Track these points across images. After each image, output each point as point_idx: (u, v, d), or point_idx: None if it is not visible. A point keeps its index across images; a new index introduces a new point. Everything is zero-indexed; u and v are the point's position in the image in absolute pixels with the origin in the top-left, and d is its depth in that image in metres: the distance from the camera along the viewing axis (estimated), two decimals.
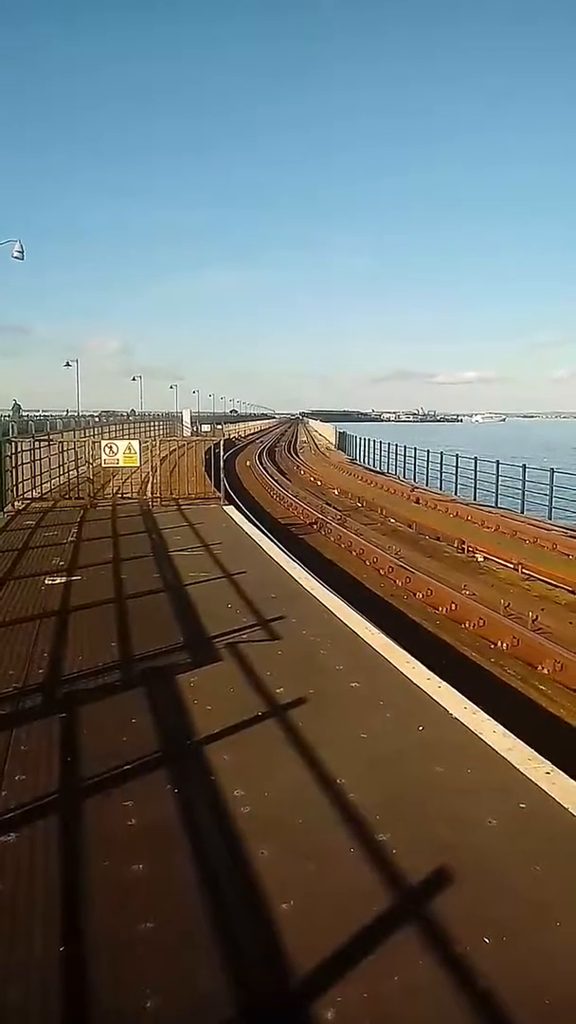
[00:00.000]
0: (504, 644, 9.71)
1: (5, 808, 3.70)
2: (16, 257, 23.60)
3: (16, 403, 43.82)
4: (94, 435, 25.03)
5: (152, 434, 39.93)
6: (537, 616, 10.47)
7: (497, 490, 23.10)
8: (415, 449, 32.71)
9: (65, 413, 48.01)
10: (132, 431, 37.88)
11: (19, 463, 16.49)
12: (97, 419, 39.58)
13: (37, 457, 17.92)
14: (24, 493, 16.51)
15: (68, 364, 56.06)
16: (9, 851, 3.37)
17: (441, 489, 26.72)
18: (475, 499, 23.81)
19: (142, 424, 45.93)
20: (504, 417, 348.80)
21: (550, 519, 19.46)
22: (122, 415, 48.23)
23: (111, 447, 16.75)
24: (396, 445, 36.31)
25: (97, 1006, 2.51)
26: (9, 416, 37.52)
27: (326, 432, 71.54)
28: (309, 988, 2.57)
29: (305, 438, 74.92)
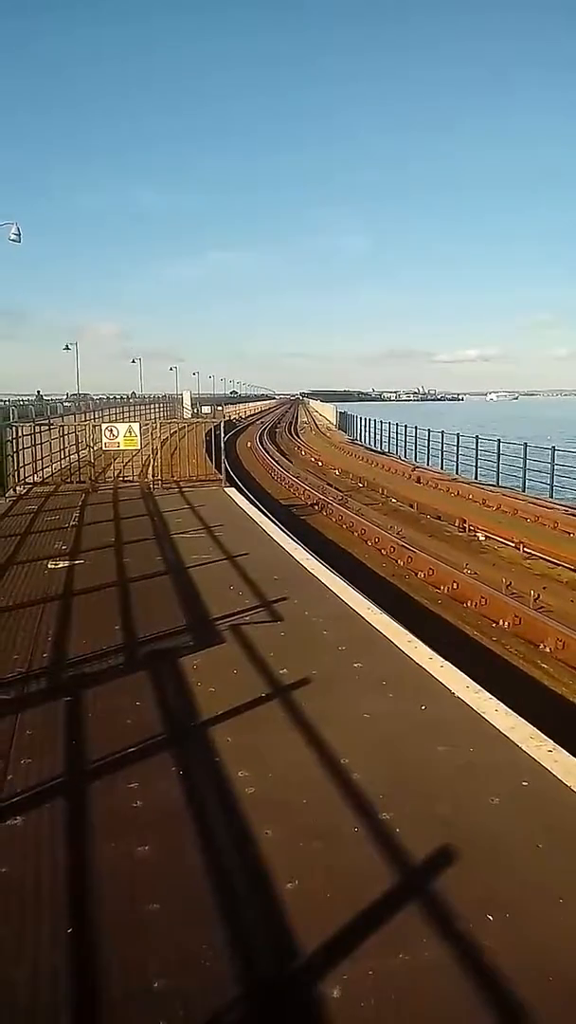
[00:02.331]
0: (506, 623, 9.72)
1: (12, 792, 3.73)
2: (13, 239, 23.41)
3: None
4: (94, 419, 24.97)
5: (152, 416, 39.83)
6: (539, 594, 10.47)
7: (499, 469, 23.06)
8: (415, 428, 32.60)
9: (65, 396, 47.88)
10: (132, 414, 37.75)
11: (20, 448, 16.46)
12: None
13: (38, 441, 17.88)
14: (25, 478, 16.50)
15: (68, 347, 55.89)
16: (16, 834, 3.40)
17: (442, 469, 26.67)
18: (476, 478, 23.78)
19: (142, 406, 45.77)
20: (517, 396, 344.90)
21: (552, 497, 19.44)
22: (91, 398, 47.21)
23: (111, 430, 16.72)
24: (397, 424, 36.19)
25: (104, 987, 2.54)
26: None
27: (327, 412, 71.31)
28: (315, 966, 2.60)
29: (306, 418, 74.67)
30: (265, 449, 39.40)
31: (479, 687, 5.01)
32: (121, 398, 49.11)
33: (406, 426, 34.38)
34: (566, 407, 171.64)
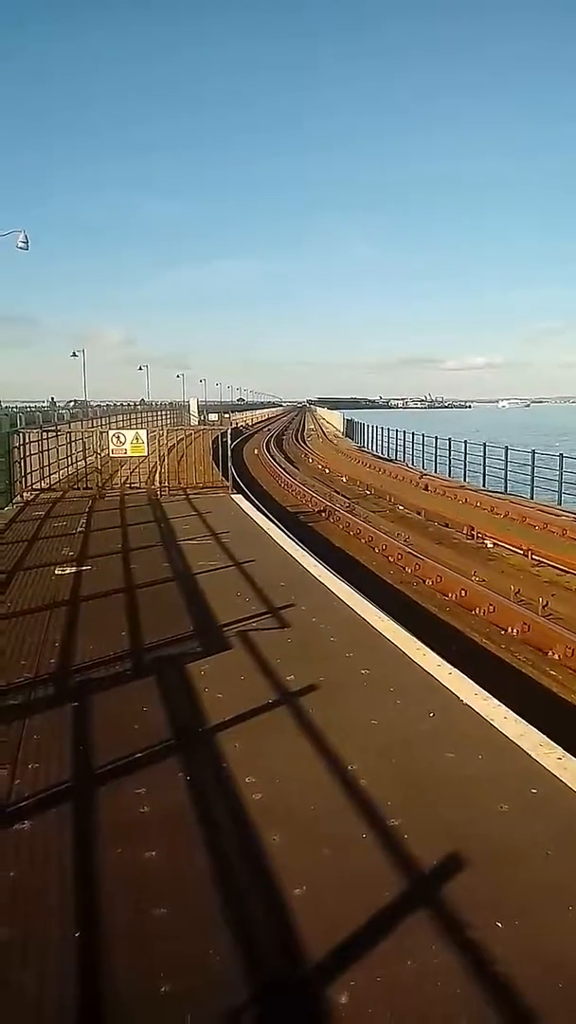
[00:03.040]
0: (514, 630, 9.69)
1: (19, 797, 3.73)
2: (20, 247, 23.56)
3: None
4: (101, 426, 25.05)
5: (159, 423, 39.92)
6: (547, 602, 10.43)
7: (506, 476, 23.01)
8: (423, 436, 32.58)
9: (73, 404, 48.14)
10: (139, 421, 37.82)
11: (27, 454, 16.52)
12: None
13: (45, 448, 17.94)
14: (32, 484, 16.55)
15: (75, 354, 56.15)
16: (24, 838, 3.40)
17: (450, 476, 26.63)
18: (484, 485, 23.73)
19: (149, 413, 45.93)
20: (528, 403, 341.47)
21: (560, 504, 19.39)
22: (90, 405, 46.98)
23: (119, 437, 16.76)
24: (404, 432, 36.17)
25: (112, 990, 2.53)
26: None
27: (333, 420, 71.35)
28: (323, 972, 2.59)
29: (312, 426, 74.72)
30: (272, 456, 39.41)
31: (488, 694, 4.99)
32: (129, 405, 49.31)
33: (413, 433, 34.37)
34: None
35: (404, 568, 13.41)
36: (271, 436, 55.91)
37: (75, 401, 52.31)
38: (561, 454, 20.63)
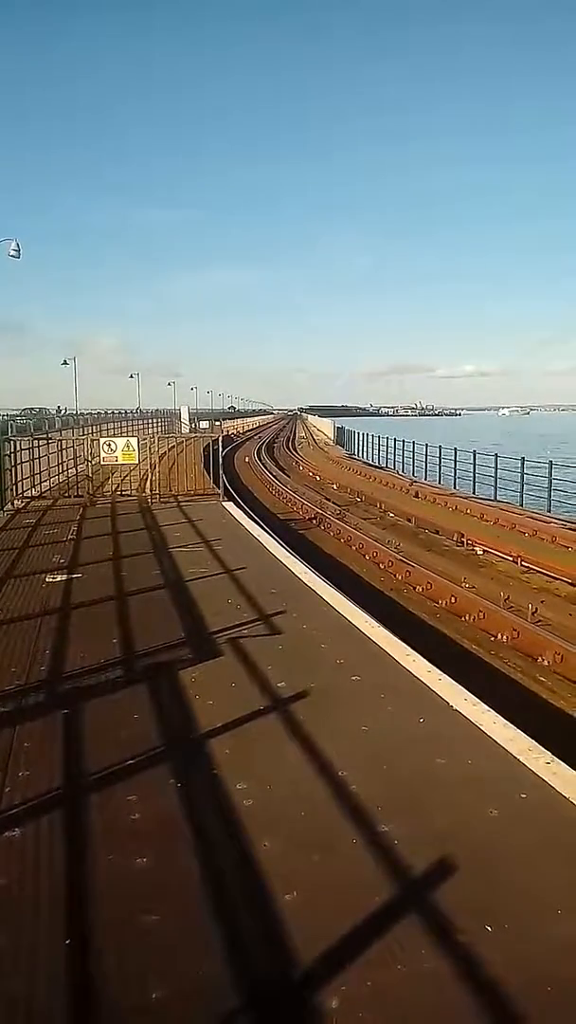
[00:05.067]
0: (504, 636, 9.73)
1: (10, 804, 3.72)
2: (12, 255, 23.58)
3: None
4: (92, 433, 25.03)
5: (150, 431, 39.93)
6: (537, 608, 10.48)
7: (496, 483, 23.10)
8: (413, 443, 32.67)
9: (63, 411, 47.99)
10: (130, 428, 37.84)
11: (18, 462, 16.49)
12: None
13: (36, 456, 17.91)
14: (23, 492, 16.52)
15: (66, 362, 56.09)
16: (15, 846, 3.39)
17: (440, 483, 26.71)
18: (474, 493, 23.82)
19: (141, 421, 45.93)
20: (528, 411, 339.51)
21: (549, 512, 19.48)
22: (47, 413, 46.14)
23: (110, 444, 16.75)
24: (395, 439, 36.25)
25: (102, 997, 2.53)
26: None
27: (324, 427, 71.38)
28: (313, 977, 2.59)
29: (303, 434, 74.75)
30: (263, 464, 39.44)
31: (477, 699, 5.01)
32: (120, 413, 49.22)
33: (403, 440, 34.46)
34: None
35: (395, 575, 13.45)
36: (262, 444, 55.96)
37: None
38: (550, 461, 20.73)
